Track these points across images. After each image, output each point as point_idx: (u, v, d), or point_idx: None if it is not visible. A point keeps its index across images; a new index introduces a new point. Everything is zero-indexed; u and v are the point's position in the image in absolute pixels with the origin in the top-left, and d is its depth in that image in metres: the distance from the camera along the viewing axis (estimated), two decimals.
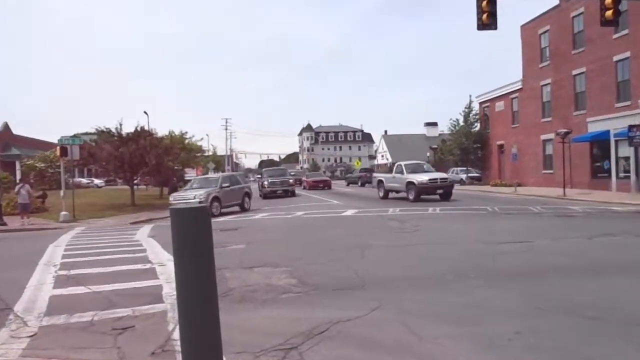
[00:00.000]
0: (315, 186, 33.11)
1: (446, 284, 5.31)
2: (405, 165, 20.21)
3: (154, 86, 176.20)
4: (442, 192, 18.75)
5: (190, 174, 40.59)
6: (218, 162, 70.40)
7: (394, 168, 20.66)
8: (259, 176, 29.96)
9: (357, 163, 59.68)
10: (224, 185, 17.79)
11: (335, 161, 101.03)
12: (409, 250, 7.80)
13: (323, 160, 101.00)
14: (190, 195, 16.40)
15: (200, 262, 2.70)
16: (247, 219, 15.23)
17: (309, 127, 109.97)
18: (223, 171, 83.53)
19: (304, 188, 34.19)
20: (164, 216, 17.23)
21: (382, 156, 79.84)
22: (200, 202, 15.88)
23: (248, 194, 19.41)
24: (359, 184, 40.05)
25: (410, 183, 19.04)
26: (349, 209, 16.79)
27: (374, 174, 24.60)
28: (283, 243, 9.45)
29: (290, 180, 26.65)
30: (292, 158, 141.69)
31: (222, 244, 9.19)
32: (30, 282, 6.17)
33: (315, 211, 16.59)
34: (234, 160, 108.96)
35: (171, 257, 7.39)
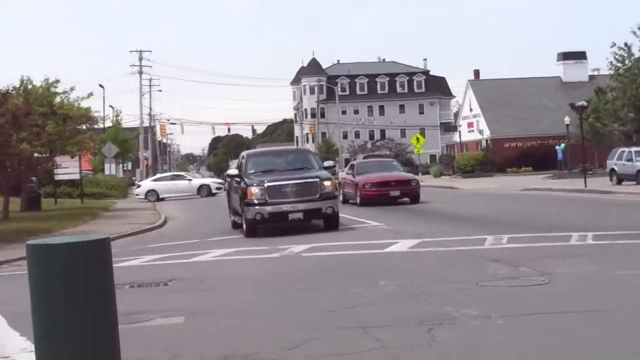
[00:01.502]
0: (380, 195, 30.09)
1: None
2: None
3: None
4: None
5: (69, 167, 40.94)
6: (126, 144, 70.84)
7: None
8: (233, 174, 23.25)
9: (417, 141, 59.73)
10: None
11: (372, 138, 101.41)
12: (534, 327, 7.75)
13: (345, 137, 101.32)
14: None
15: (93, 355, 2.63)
16: (188, 262, 15.37)
17: (314, 68, 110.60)
18: (137, 160, 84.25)
19: (346, 201, 31.75)
20: (14, 258, 17.36)
21: (473, 125, 79.79)
22: None
23: None
24: None
25: None
26: (401, 238, 16.90)
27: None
28: (265, 313, 9.49)
29: (326, 183, 21.21)
30: (281, 132, 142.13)
31: (136, 316, 9.25)
32: None
33: (329, 243, 16.71)
34: (159, 138, 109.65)
35: (29, 344, 7.31)
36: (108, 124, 67.28)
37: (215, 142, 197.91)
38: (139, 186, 52.87)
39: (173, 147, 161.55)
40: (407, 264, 13.13)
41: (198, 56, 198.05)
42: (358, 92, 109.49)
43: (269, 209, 20.37)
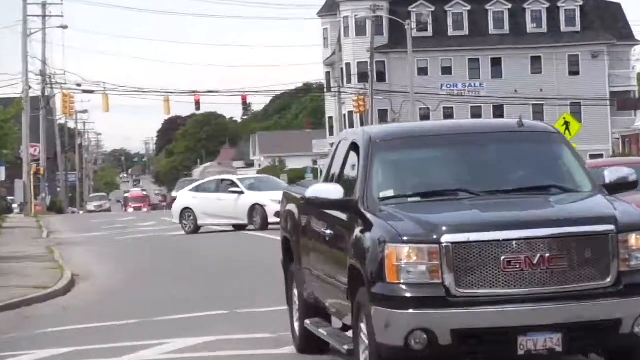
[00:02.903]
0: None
1: None
2: None
3: None
4: None
5: None
6: None
7: None
8: (324, 199, 13.37)
9: (566, 128, 58.96)
10: None
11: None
12: None
13: (427, 117, 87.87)
14: None
15: None
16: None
17: None
18: (20, 161, 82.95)
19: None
20: None
21: None
22: None
23: None
24: None
25: None
26: None
27: None
28: None
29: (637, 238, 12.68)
30: (300, 109, 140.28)
31: None
32: None
33: None
34: (61, 118, 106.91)
35: None
36: None
37: (171, 129, 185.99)
38: (174, 199, 51.78)
39: (89, 137, 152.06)
40: None
41: None
42: (450, 32, 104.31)
43: (456, 316, 11.36)
